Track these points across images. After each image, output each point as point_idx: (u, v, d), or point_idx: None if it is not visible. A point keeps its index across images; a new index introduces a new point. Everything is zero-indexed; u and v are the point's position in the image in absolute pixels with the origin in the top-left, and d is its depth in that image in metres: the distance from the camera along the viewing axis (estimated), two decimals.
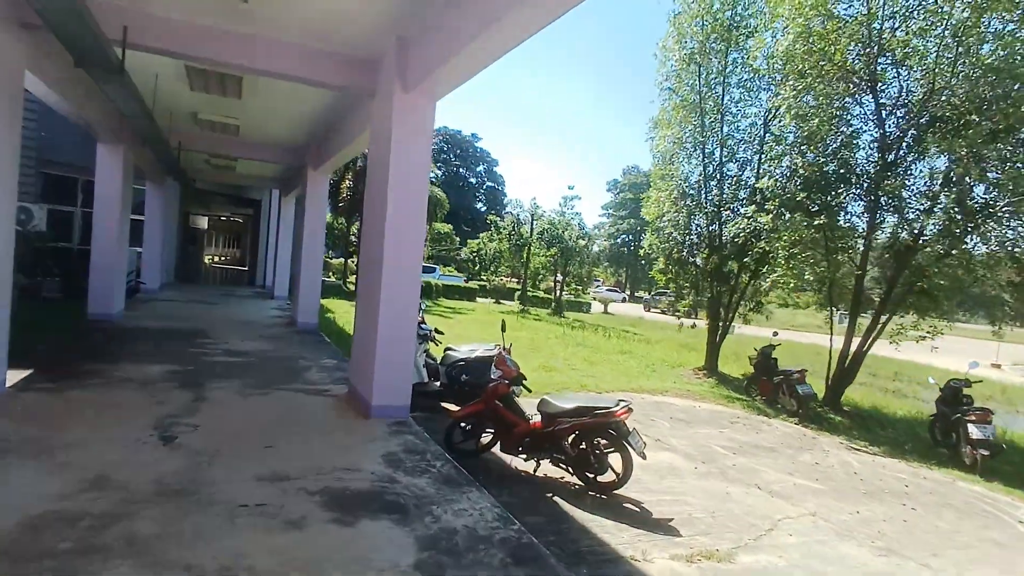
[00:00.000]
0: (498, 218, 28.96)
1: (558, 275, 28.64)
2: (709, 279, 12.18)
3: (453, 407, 7.23)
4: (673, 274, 12.67)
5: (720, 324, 12.49)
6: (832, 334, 10.32)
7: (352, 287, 27.99)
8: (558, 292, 28.36)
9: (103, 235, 9.78)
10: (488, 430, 5.53)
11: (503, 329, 5.97)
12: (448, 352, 7.39)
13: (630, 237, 71.67)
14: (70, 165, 15.69)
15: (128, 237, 10.86)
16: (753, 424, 8.64)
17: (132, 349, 7.72)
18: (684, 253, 12.50)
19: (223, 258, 46.28)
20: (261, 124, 9.86)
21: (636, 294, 67.72)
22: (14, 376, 5.78)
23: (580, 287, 29.38)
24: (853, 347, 9.90)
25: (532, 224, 27.23)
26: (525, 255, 27.17)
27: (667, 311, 41.44)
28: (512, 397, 5.39)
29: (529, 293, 29.52)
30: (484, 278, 32.42)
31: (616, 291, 54.48)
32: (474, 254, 34.96)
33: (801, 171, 9.62)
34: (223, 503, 3.43)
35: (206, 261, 38.56)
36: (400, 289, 5.64)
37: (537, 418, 5.23)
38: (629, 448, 4.90)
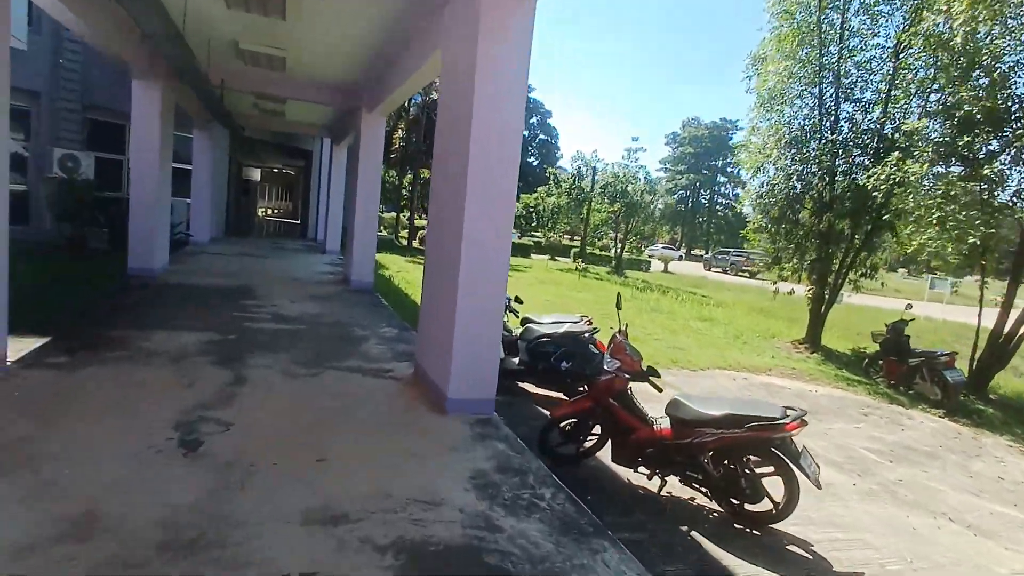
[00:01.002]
0: (557, 171, 27.16)
1: (619, 231, 26.94)
2: (816, 239, 10.47)
3: (534, 388, 6.05)
4: (773, 233, 10.98)
5: (825, 292, 10.82)
6: (981, 307, 8.58)
7: (404, 241, 27.08)
8: (619, 249, 26.71)
9: (141, 183, 8.85)
10: (594, 432, 4.33)
11: (618, 306, 4.63)
12: (528, 325, 6.16)
13: (688, 193, 68.44)
14: (118, 111, 14.96)
15: (170, 186, 9.94)
16: (891, 416, 7.15)
17: (168, 312, 6.79)
18: (788, 210, 10.76)
19: (275, 210, 46.26)
20: (309, 57, 8.60)
21: (692, 252, 65.03)
22: (23, 346, 4.86)
23: (643, 244, 27.59)
24: (1008, 325, 8.16)
25: (594, 178, 25.46)
26: (585, 210, 25.51)
27: (730, 271, 39.33)
28: (630, 395, 4.13)
29: (587, 250, 27.98)
30: (541, 234, 30.91)
31: (671, 248, 52.17)
32: (529, 209, 33.45)
33: (957, 111, 7.74)
34: (256, 568, 2.32)
35: (259, 214, 38.43)
36: (486, 252, 4.38)
37: (664, 423, 3.97)
38: (799, 473, 3.59)
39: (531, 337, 5.92)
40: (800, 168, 10.49)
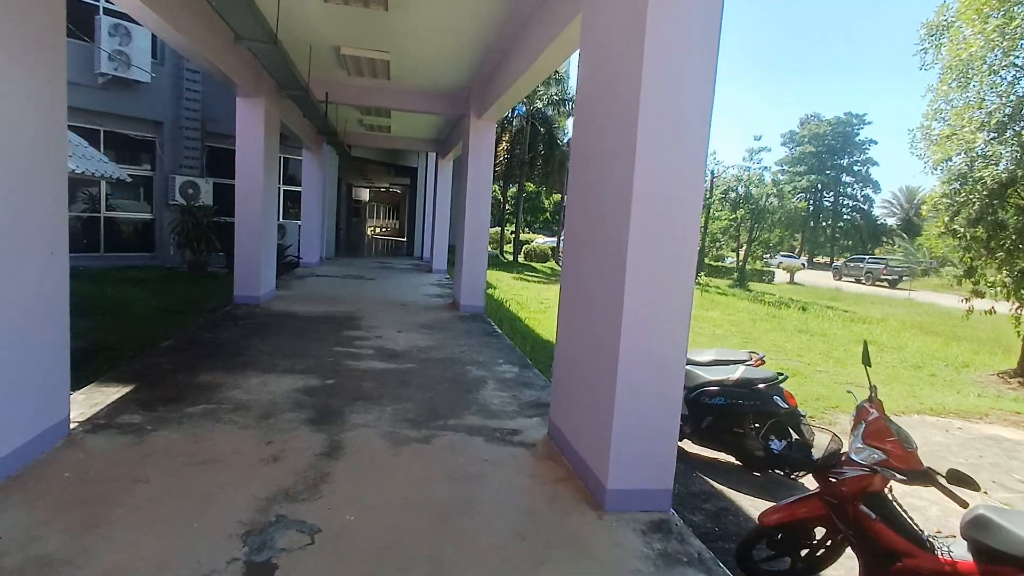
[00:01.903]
0: None
1: (741, 240, 24.60)
2: None
3: (693, 446, 4.66)
4: (972, 238, 8.79)
5: None
6: None
7: (509, 256, 26.29)
8: (742, 260, 24.36)
9: (245, 205, 8.41)
10: (818, 540, 2.93)
11: (866, 361, 3.11)
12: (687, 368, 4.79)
13: (807, 195, 63.14)
14: (235, 137, 15.31)
15: (275, 209, 9.52)
16: None
17: (266, 347, 6.08)
18: (987, 209, 8.56)
19: (383, 229, 47.61)
20: (415, 58, 7.79)
21: (813, 260, 59.66)
22: (103, 398, 4.18)
23: (768, 253, 25.04)
24: None
25: (712, 182, 23.39)
26: (703, 218, 23.47)
27: (865, 280, 35.15)
28: (891, 500, 2.68)
29: (704, 262, 25.80)
30: None
31: (792, 257, 47.91)
32: None
33: None
34: None
35: (368, 233, 39.50)
36: (661, 290, 3.10)
37: (958, 549, 2.48)
38: None
39: (691, 385, 4.55)
40: (1011, 154, 8.29)
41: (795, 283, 30.02)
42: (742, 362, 4.85)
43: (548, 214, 43.77)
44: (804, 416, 4.46)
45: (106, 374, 4.85)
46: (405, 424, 4.15)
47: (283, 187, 17.37)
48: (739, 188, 21.84)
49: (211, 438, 3.65)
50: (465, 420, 4.33)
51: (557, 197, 30.51)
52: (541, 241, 31.31)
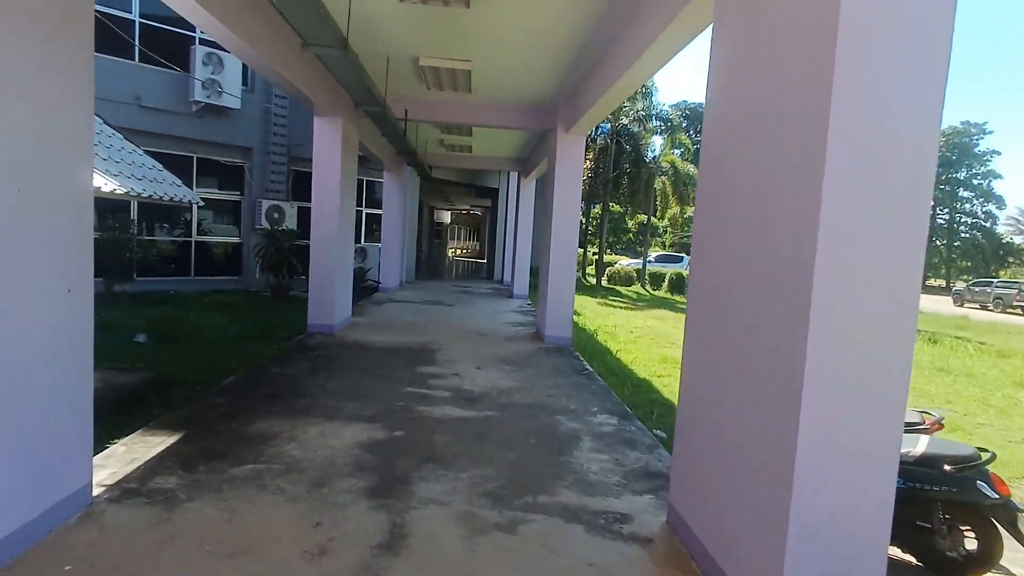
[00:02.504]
0: None
1: None
2: None
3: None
4: None
5: None
6: None
7: (592, 279, 25.24)
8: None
9: (320, 229, 8.01)
10: None
11: None
12: None
13: None
14: None
15: (352, 232, 9.11)
16: None
17: (332, 385, 5.47)
18: None
19: (464, 251, 47.88)
20: (499, 68, 7.14)
21: (926, 283, 54.33)
22: (144, 452, 3.64)
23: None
24: None
25: None
26: None
27: (993, 307, 31.22)
28: None
29: None
30: None
31: None
32: None
33: None
34: None
35: (449, 255, 39.72)
36: (866, 332, 2.12)
37: None
38: None
39: None
40: None
41: None
42: (915, 426, 3.71)
43: (631, 235, 42.36)
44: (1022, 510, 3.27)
45: (158, 418, 4.36)
46: (484, 500, 3.32)
47: (365, 210, 17.35)
48: None
49: (250, 515, 2.97)
50: (559, 496, 3.45)
51: (642, 217, 29.22)
52: (625, 263, 30.03)
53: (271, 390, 5.24)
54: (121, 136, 6.02)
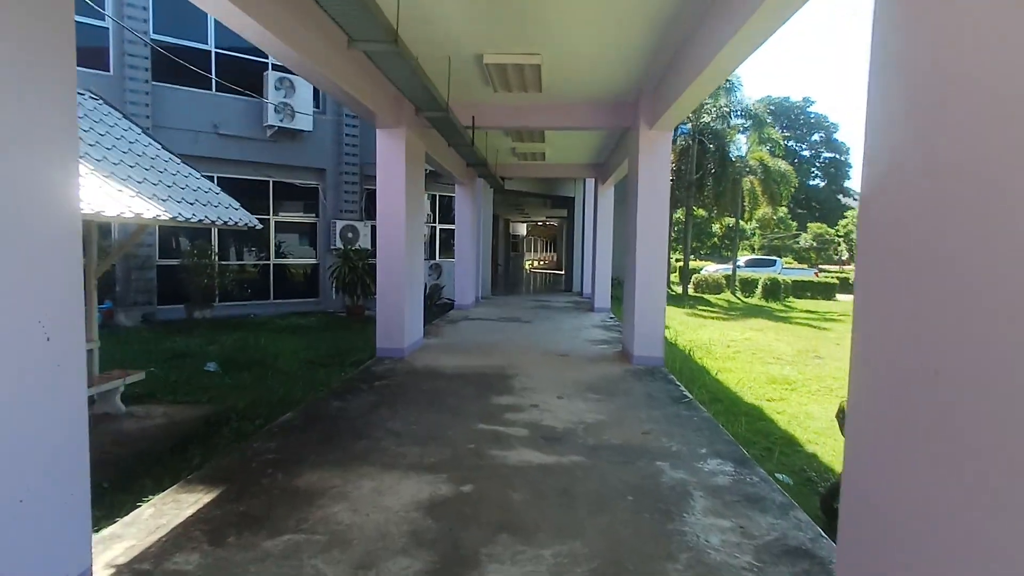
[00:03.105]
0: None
1: None
2: None
3: None
4: None
5: None
6: None
7: (677, 288, 23.81)
8: None
9: (387, 249, 7.54)
10: None
11: None
12: None
13: None
14: None
15: (422, 251, 8.61)
16: None
17: (395, 423, 4.86)
18: None
19: (541, 262, 47.25)
20: (571, 60, 6.41)
21: None
22: (172, 514, 3.11)
23: None
24: None
25: None
26: None
27: None
28: None
29: None
30: (838, 268, 24.67)
31: None
32: (826, 239, 27.36)
33: None
34: None
35: (526, 267, 39.21)
36: None
37: None
38: None
39: None
40: None
41: None
42: None
43: (716, 239, 40.20)
44: None
45: (196, 471, 3.87)
46: None
47: (439, 226, 17.03)
48: None
49: None
50: None
51: (729, 220, 27.44)
52: (712, 269, 28.29)
53: (328, 430, 4.68)
54: (179, 160, 5.72)
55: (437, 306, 13.93)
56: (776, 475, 4.51)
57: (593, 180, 14.59)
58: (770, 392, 7.49)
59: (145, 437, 5.13)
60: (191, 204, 5.10)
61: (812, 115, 54.06)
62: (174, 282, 11.73)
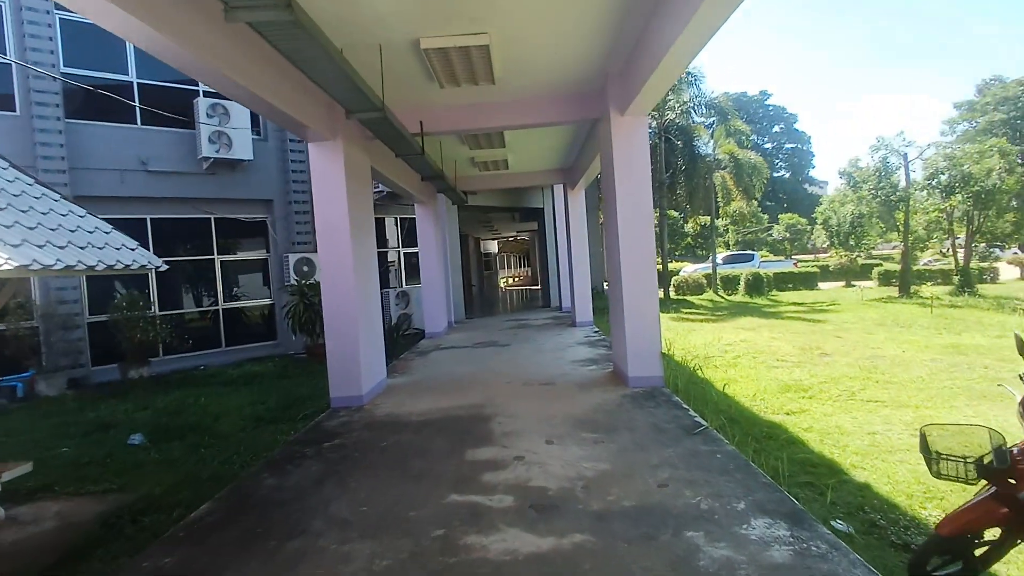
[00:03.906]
0: (851, 168, 20.48)
1: (953, 234, 19.35)
2: None
3: None
4: None
5: None
6: None
7: (676, 294, 22.95)
8: (962, 258, 19.08)
9: (333, 280, 6.48)
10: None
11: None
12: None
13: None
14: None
15: (375, 280, 7.54)
16: None
17: (343, 506, 3.75)
18: None
19: (516, 279, 46.25)
20: (525, 40, 5.48)
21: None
22: None
23: (999, 247, 19.49)
24: None
25: (907, 168, 18.65)
26: (902, 214, 18.69)
27: None
28: None
29: (892, 269, 20.66)
30: (838, 254, 24.05)
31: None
32: (797, 228, 26.92)
33: None
34: None
35: (501, 285, 38.14)
36: None
37: None
38: None
39: None
40: None
41: None
42: None
43: (689, 239, 39.68)
44: None
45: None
46: None
47: (403, 250, 15.98)
48: (953, 170, 16.91)
49: None
50: None
51: (703, 219, 26.80)
52: (691, 269, 27.60)
53: (253, 525, 3.57)
54: (58, 195, 4.61)
55: (406, 337, 12.81)
56: (832, 522, 3.54)
57: (562, 187, 13.71)
58: (787, 403, 6.55)
59: (19, 553, 3.95)
60: (60, 248, 3.99)
61: (771, 108, 54.42)
62: (108, 340, 10.41)
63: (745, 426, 5.57)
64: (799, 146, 54.56)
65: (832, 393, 6.86)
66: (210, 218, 12.36)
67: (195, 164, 11.83)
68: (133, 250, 4.76)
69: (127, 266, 4.39)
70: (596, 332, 11.31)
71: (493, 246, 40.76)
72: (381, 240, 15.63)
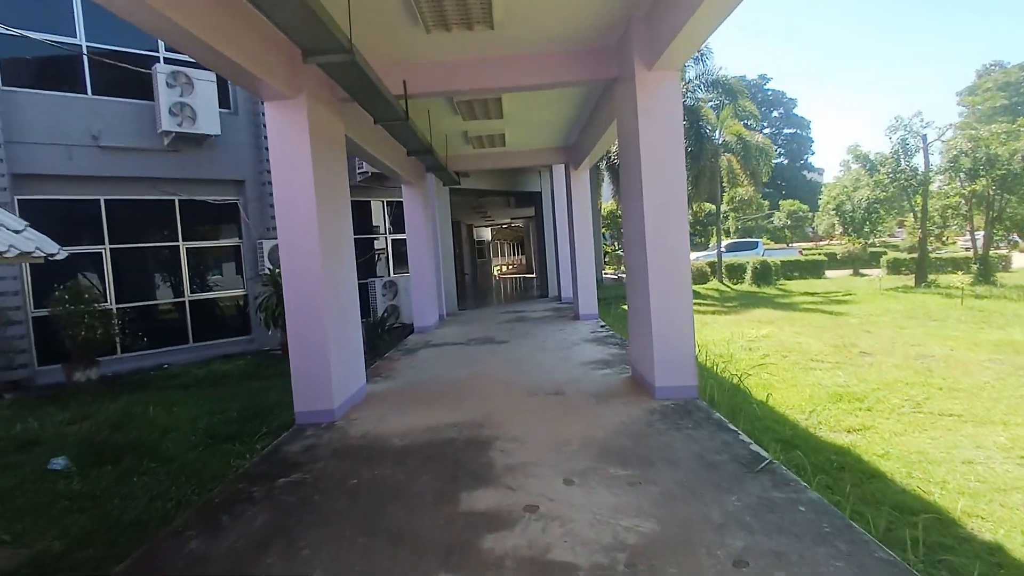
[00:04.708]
0: (864, 152, 19.34)
1: (972, 221, 18.39)
2: None
3: None
4: None
5: None
6: None
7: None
8: (981, 247, 18.12)
9: (295, 267, 5.32)
10: None
11: None
12: None
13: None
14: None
15: (352, 264, 6.38)
16: None
17: (296, 564, 2.66)
18: None
19: (510, 267, 45.08)
20: None
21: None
22: None
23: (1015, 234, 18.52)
24: None
25: (926, 152, 17.59)
26: (920, 199, 17.66)
27: None
28: None
29: (908, 256, 19.70)
30: (852, 241, 22.96)
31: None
32: (800, 215, 25.88)
33: None
34: None
35: (495, 274, 36.95)
36: None
37: None
38: None
39: None
40: None
41: None
42: None
43: (691, 226, 38.56)
44: None
45: None
46: None
47: (392, 237, 14.82)
48: (977, 152, 15.85)
49: None
50: None
51: (707, 206, 25.67)
52: (694, 257, 26.58)
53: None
54: None
55: (393, 332, 11.67)
56: None
57: (563, 167, 12.53)
58: (843, 417, 5.49)
59: None
60: None
61: (769, 92, 53.25)
62: (56, 337, 9.20)
63: (807, 452, 4.49)
64: (798, 131, 53.48)
65: (893, 404, 5.80)
66: (174, 200, 11.12)
67: (155, 139, 10.58)
68: (19, 232, 3.59)
69: (30, 253, 3.22)
70: (603, 327, 10.21)
71: (487, 233, 39.60)
72: (367, 225, 14.43)
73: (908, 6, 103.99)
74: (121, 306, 10.42)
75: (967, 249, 27.26)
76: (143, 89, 10.39)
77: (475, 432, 4.76)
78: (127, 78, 10.36)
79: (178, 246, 11.24)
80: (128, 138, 10.31)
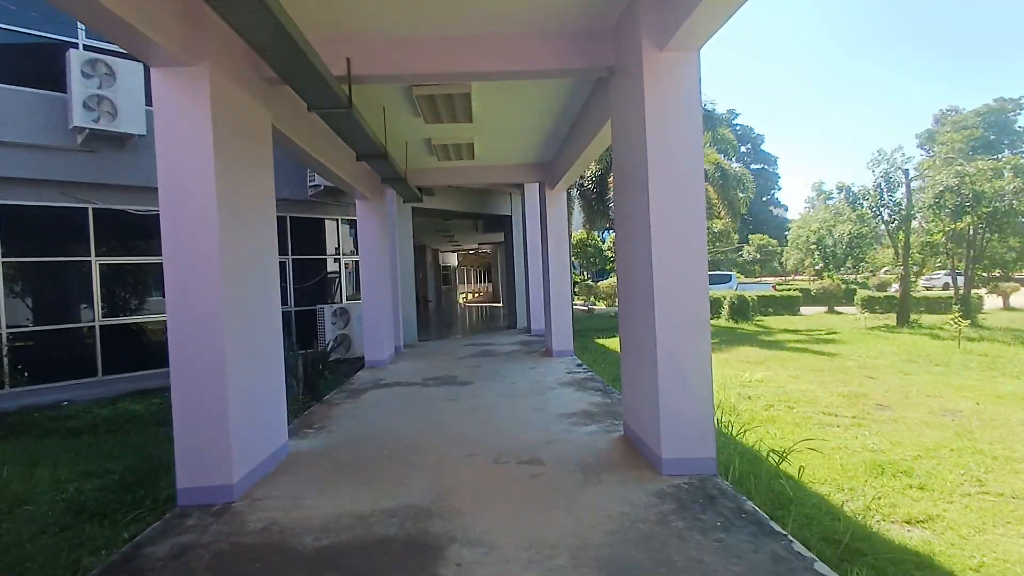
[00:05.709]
0: (850, 185, 18.80)
1: (953, 259, 17.94)
2: None
3: None
4: None
5: None
6: None
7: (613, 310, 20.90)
8: (961, 286, 17.66)
9: (180, 286, 3.96)
10: None
11: None
12: None
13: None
14: (305, 202, 11.56)
15: (276, 284, 5.03)
16: None
17: None
18: None
19: (476, 295, 43.73)
20: None
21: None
22: None
23: (1007, 271, 18.16)
24: None
25: (908, 187, 17.11)
26: (902, 235, 17.14)
27: None
28: None
29: (876, 295, 19.15)
30: (828, 277, 22.40)
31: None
32: (769, 250, 25.38)
33: None
34: None
35: (460, 302, 35.56)
36: None
37: None
38: None
39: None
40: None
41: (1012, 308, 22.59)
42: None
43: None
44: None
45: None
46: None
47: (346, 259, 13.43)
48: (963, 188, 15.39)
49: None
50: None
51: None
52: None
53: None
54: None
55: (342, 365, 10.21)
56: None
57: (538, 186, 11.42)
58: (896, 499, 4.32)
59: None
60: None
61: (738, 127, 53.89)
62: None
63: (879, 564, 3.27)
64: (766, 167, 54.12)
65: (949, 481, 4.67)
66: (87, 208, 9.56)
67: (65, 137, 9.05)
68: None
69: None
70: (580, 366, 8.97)
71: (453, 259, 38.35)
72: (318, 246, 13.00)
73: (859, 61, 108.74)
74: (12, 330, 8.75)
75: (927, 288, 27.16)
76: (55, 80, 8.91)
77: (422, 527, 3.41)
78: (37, 65, 8.90)
79: (90, 261, 9.62)
80: (30, 133, 8.76)
